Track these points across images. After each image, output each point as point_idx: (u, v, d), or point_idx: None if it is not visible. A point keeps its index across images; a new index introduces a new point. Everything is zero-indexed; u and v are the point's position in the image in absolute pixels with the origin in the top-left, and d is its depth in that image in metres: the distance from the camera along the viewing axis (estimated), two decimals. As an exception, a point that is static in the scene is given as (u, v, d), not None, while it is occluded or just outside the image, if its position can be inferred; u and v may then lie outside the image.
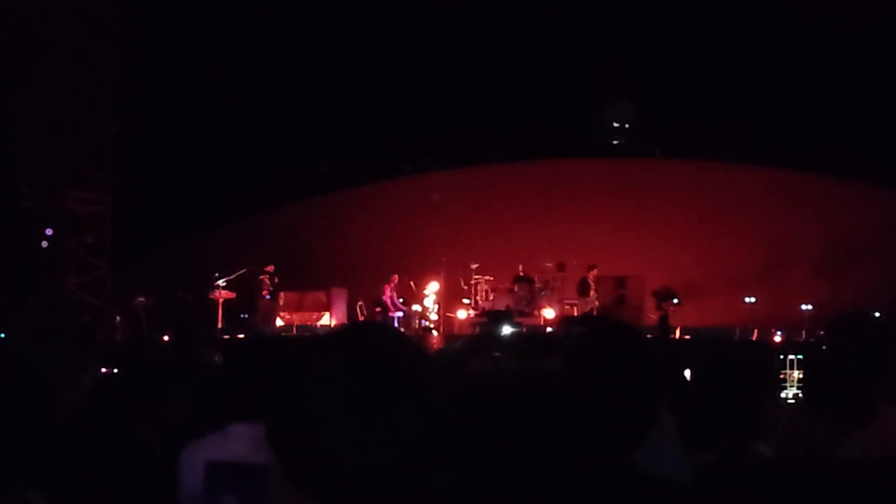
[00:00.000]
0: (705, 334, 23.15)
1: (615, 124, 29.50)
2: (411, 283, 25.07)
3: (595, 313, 24.47)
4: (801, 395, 4.08)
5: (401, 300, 25.21)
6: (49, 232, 25.24)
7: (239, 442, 4.04)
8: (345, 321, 24.72)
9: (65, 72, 25.11)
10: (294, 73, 27.72)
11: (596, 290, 25.06)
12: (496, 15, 27.69)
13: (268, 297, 25.09)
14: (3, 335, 19.90)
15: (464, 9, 27.31)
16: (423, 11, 27.31)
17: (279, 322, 25.00)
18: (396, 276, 25.06)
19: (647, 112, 28.20)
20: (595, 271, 25.06)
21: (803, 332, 22.99)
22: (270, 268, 24.95)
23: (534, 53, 27.66)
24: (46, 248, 25.29)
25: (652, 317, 24.51)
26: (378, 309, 25.05)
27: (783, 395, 4.92)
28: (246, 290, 25.03)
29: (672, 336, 22.94)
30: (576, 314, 24.83)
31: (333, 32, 27.72)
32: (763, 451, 4.60)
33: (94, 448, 3.91)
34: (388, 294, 25.00)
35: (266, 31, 27.65)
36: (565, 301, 25.41)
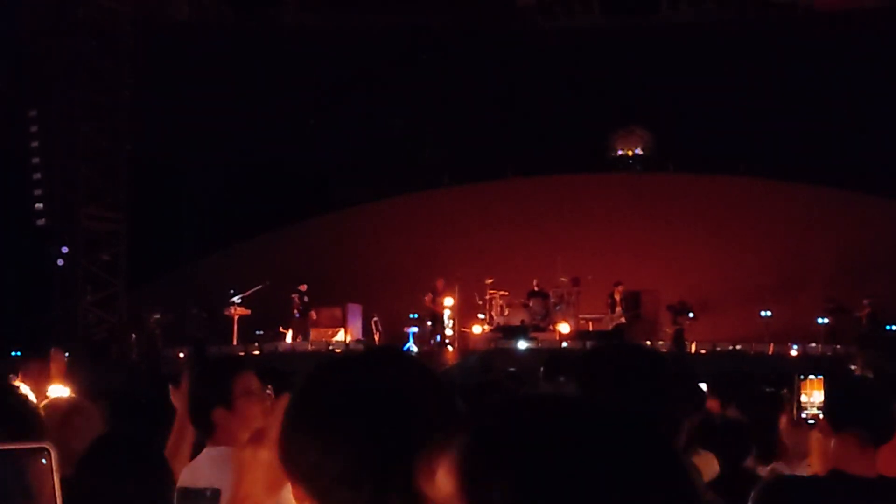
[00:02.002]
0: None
1: (629, 152, 29.62)
2: (426, 297, 25.02)
3: (611, 328, 24.44)
4: (820, 416, 4.01)
5: (414, 315, 25.08)
6: (65, 250, 25.31)
7: (203, 466, 4.11)
8: (360, 337, 24.69)
9: (80, 91, 25.22)
10: (308, 91, 27.77)
11: (621, 306, 24.96)
12: (510, 31, 27.75)
13: (297, 315, 25.06)
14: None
15: (477, 27, 27.37)
16: (438, 29, 27.39)
17: (289, 338, 24.96)
18: (441, 280, 24.49)
19: (661, 127, 28.20)
20: (621, 287, 24.97)
21: (819, 345, 22.92)
22: (304, 287, 24.92)
23: (548, 69, 27.69)
24: (62, 265, 25.36)
25: (667, 331, 24.46)
26: (428, 323, 24.60)
27: (803, 415, 4.85)
28: (263, 307, 25.03)
29: (688, 350, 22.89)
30: (590, 329, 24.80)
31: (344, 49, 27.77)
32: (782, 469, 4.58)
33: (112, 469, 3.90)
34: (430, 302, 24.44)
35: (280, 48, 27.71)
36: (580, 316, 25.35)
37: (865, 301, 24.28)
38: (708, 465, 5.34)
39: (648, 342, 22.98)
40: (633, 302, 25.34)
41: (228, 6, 29.25)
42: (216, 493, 3.97)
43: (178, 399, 5.04)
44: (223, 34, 28.45)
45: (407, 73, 27.88)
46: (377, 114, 28.14)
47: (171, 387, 5.08)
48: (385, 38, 28.09)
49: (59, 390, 6.64)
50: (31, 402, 2.94)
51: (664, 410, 2.95)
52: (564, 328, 24.24)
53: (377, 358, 1.93)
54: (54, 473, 1.74)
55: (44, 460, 1.74)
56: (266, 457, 2.05)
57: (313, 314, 25.06)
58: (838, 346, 22.63)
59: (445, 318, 24.96)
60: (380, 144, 28.42)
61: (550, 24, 28.58)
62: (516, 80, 27.90)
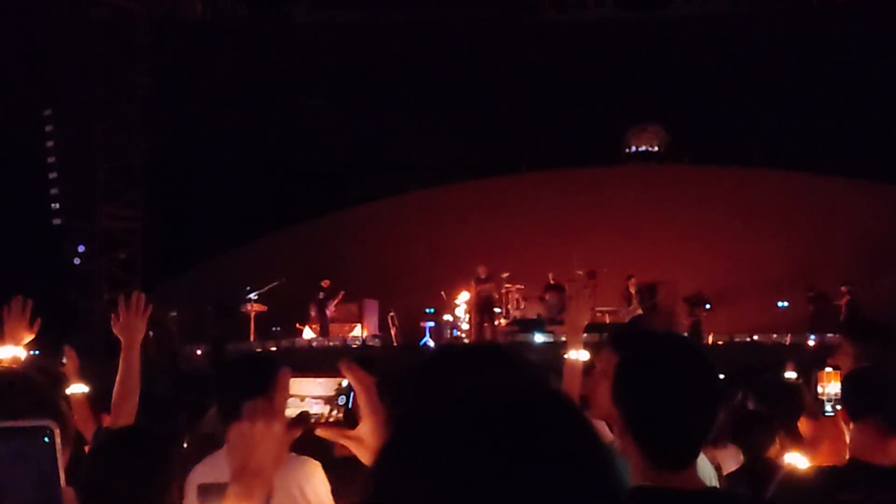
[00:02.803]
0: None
1: (644, 149, 29.58)
2: (442, 292, 25.01)
3: (628, 321, 24.35)
4: (838, 408, 3.99)
5: (431, 310, 25.05)
6: (81, 248, 25.40)
7: (224, 462, 4.05)
8: (377, 332, 24.71)
9: (95, 90, 25.28)
10: (322, 87, 27.78)
11: (636, 299, 24.89)
12: (521, 24, 27.71)
13: (316, 311, 25.03)
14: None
15: (489, 21, 27.35)
16: (451, 24, 27.38)
17: (309, 334, 24.92)
18: (482, 266, 24.21)
19: (675, 118, 28.15)
20: (634, 279, 24.92)
21: (838, 335, 22.81)
22: (326, 282, 24.87)
23: (561, 62, 27.65)
24: (79, 264, 25.45)
25: (684, 322, 24.40)
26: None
27: (821, 406, 4.84)
28: (279, 303, 25.04)
29: (705, 342, 22.83)
30: (607, 321, 24.73)
31: (357, 45, 27.78)
32: (801, 459, 4.58)
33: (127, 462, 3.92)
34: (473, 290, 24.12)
35: (293, 46, 27.72)
36: (597, 308, 25.27)
37: (843, 289, 24.16)
38: (733, 458, 5.35)
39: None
40: (649, 294, 25.30)
41: (242, 4, 29.29)
42: None
43: (118, 329, 5.06)
44: (236, 32, 28.48)
45: (420, 68, 27.87)
46: (391, 109, 28.14)
47: (112, 316, 5.09)
48: (397, 34, 28.09)
49: (78, 388, 6.64)
50: (51, 391, 2.91)
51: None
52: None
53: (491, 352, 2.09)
54: (57, 452, 1.76)
55: (46, 439, 1.75)
56: (278, 430, 2.17)
57: (329, 309, 25.03)
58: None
59: (462, 313, 24.92)
60: (394, 140, 28.44)
61: (562, 16, 28.52)
62: (529, 73, 27.87)
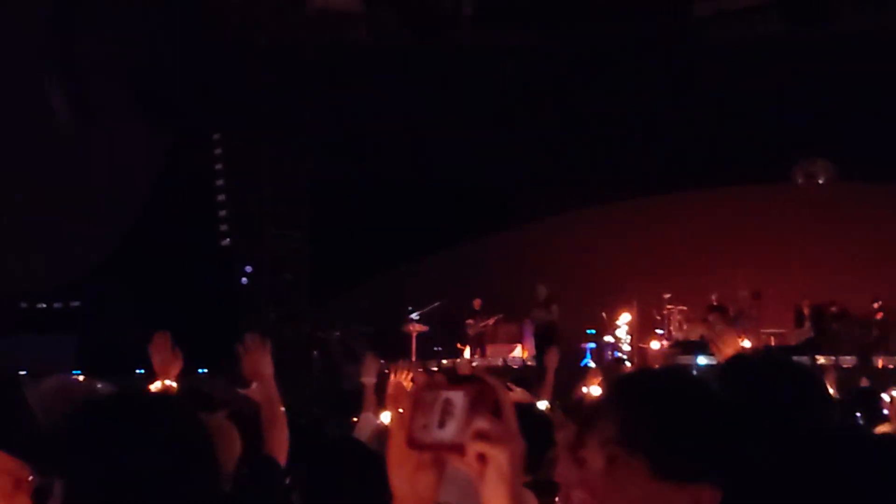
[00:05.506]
0: None
1: (812, 181, 28.92)
2: (602, 313, 24.87)
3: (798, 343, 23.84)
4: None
5: (592, 331, 24.94)
6: (249, 269, 25.98)
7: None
8: (535, 353, 24.72)
9: (263, 115, 25.86)
10: (487, 108, 27.89)
11: (810, 321, 24.36)
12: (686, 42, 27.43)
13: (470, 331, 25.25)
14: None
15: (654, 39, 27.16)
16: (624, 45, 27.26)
17: (467, 354, 25.07)
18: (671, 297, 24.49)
19: (845, 136, 27.36)
20: (807, 300, 24.40)
21: None
22: (477, 302, 25.09)
23: (726, 81, 27.25)
24: (246, 285, 26.03)
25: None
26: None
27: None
28: (442, 323, 25.29)
29: (874, 365, 22.23)
30: (772, 344, 24.22)
31: (522, 66, 27.85)
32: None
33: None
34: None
35: (458, 67, 27.91)
36: (762, 330, 24.78)
37: (875, 305, 23.48)
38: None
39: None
40: (818, 316, 24.71)
41: (407, 27, 29.58)
42: None
43: (245, 370, 5.15)
44: (401, 55, 28.80)
45: (584, 88, 27.70)
46: (554, 130, 28.05)
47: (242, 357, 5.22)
48: (562, 55, 27.99)
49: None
50: (197, 420, 2.81)
51: None
52: (745, 343, 23.70)
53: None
54: None
55: None
56: None
57: (480, 327, 25.14)
58: None
59: (624, 334, 24.76)
60: (556, 160, 28.33)
61: (726, 33, 28.00)
62: (693, 92, 27.45)
